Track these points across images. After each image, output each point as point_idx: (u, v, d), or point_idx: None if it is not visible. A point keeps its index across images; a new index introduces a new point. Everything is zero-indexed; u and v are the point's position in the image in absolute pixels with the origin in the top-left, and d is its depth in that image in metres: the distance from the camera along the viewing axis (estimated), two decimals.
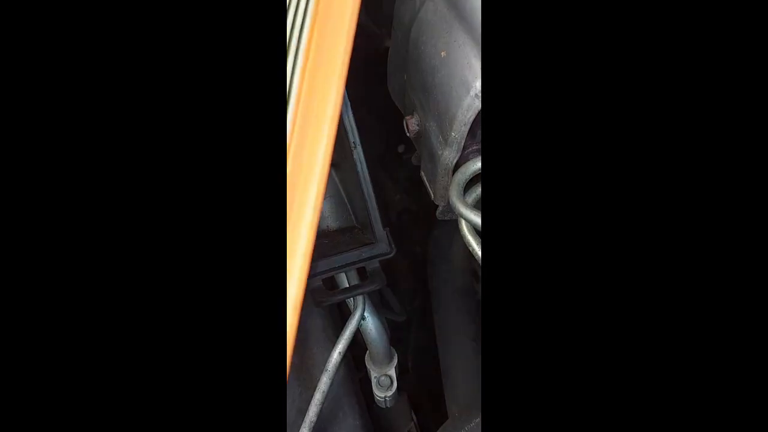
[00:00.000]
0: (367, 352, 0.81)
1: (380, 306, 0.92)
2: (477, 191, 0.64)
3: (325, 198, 0.73)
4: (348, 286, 0.71)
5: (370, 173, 0.65)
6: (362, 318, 0.71)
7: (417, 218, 1.19)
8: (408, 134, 0.73)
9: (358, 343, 0.78)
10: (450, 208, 0.70)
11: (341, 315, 0.88)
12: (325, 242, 0.69)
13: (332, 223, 0.73)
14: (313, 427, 0.69)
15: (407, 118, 0.72)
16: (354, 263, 0.65)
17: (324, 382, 0.69)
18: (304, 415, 0.69)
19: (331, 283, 0.72)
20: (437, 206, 0.74)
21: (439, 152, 0.65)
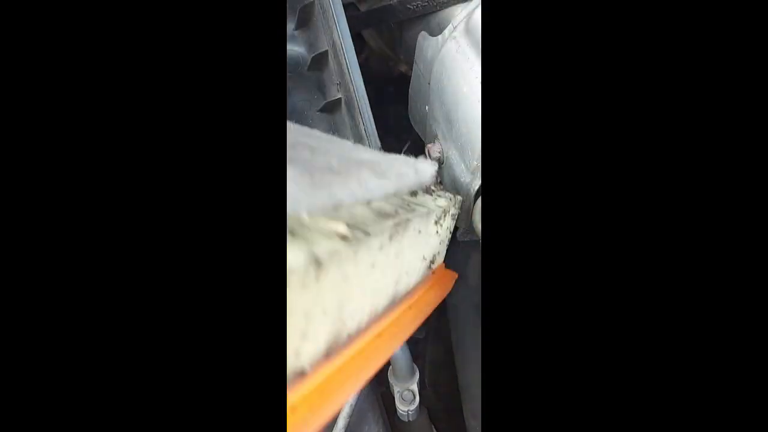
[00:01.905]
0: (390, 367, 0.84)
1: None
2: None
3: None
4: None
5: None
6: None
7: None
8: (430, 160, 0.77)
9: None
10: (469, 230, 0.74)
11: None
12: None
13: None
14: None
15: (429, 145, 0.77)
16: None
17: (352, 396, 0.73)
18: (332, 427, 0.73)
19: None
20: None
21: (461, 179, 0.69)
